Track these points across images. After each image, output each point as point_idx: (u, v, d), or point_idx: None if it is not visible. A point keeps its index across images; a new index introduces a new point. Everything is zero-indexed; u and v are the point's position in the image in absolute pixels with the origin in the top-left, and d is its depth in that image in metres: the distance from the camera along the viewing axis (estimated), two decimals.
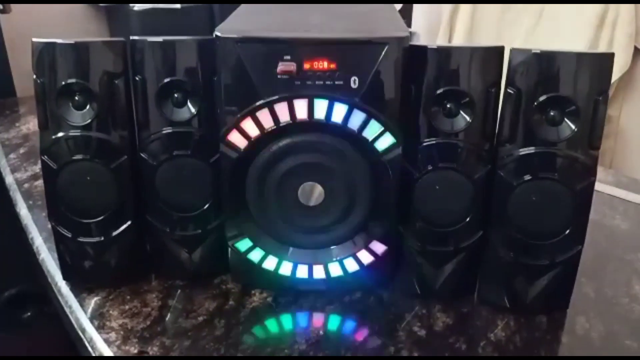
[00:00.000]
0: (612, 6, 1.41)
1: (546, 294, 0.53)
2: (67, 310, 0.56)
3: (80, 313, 0.54)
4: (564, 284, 0.54)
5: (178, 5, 1.40)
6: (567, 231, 0.51)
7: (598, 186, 0.80)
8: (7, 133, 0.97)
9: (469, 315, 0.55)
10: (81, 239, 0.55)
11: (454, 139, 0.51)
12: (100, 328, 0.52)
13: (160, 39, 0.52)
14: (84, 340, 0.52)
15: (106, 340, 0.51)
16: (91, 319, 0.53)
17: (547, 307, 0.54)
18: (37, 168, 0.80)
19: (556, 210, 0.51)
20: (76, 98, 0.52)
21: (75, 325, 0.54)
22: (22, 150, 0.89)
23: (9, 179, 0.81)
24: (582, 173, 0.50)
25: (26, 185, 0.79)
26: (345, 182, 0.52)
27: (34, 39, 0.52)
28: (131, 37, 0.53)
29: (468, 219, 0.53)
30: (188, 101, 0.53)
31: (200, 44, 0.52)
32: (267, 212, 0.54)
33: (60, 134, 0.53)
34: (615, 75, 1.42)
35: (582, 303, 0.56)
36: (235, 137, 0.51)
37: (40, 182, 0.77)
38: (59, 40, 0.51)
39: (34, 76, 0.52)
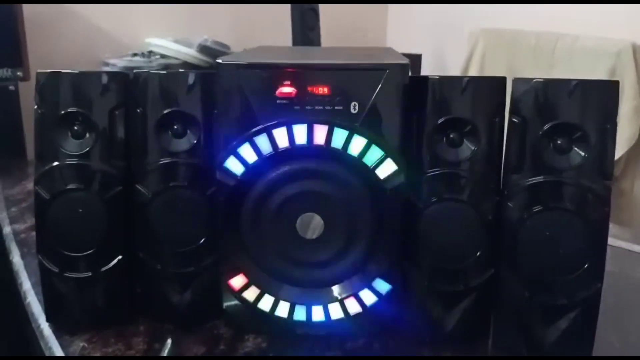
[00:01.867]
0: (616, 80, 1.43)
1: (566, 338, 0.49)
2: (46, 352, 0.52)
3: (59, 354, 0.50)
4: (585, 327, 0.49)
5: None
6: (584, 267, 0.48)
7: (614, 242, 0.76)
8: (12, 189, 0.97)
9: None
10: (68, 274, 0.52)
11: (458, 168, 0.49)
12: None
13: (163, 71, 0.53)
14: None
15: None
16: None
17: (568, 353, 0.49)
18: None
19: (570, 243, 0.48)
20: (75, 128, 0.52)
21: None
22: (24, 205, 0.89)
23: (7, 230, 0.79)
24: (596, 203, 0.47)
25: (23, 235, 0.77)
26: (346, 212, 0.50)
27: (39, 70, 0.53)
28: (134, 70, 0.53)
29: (477, 255, 0.50)
30: (188, 132, 0.53)
31: (202, 77, 0.52)
32: (263, 245, 0.51)
33: (55, 163, 0.52)
34: (623, 149, 1.41)
35: (607, 349, 0.51)
36: (232, 163, 0.49)
37: None
38: (63, 70, 0.52)
39: (35, 107, 0.52)
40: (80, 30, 1.47)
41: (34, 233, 0.78)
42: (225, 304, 0.54)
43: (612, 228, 0.85)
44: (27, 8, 1.22)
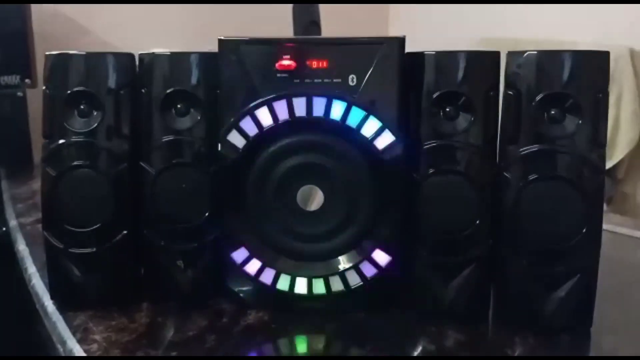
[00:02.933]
0: (615, 87, 1.45)
1: (566, 308, 0.49)
2: (49, 327, 0.53)
3: (62, 328, 0.51)
4: (585, 297, 0.49)
5: None
6: (581, 235, 0.48)
7: (615, 229, 0.77)
8: (18, 189, 0.99)
9: (484, 333, 0.50)
10: (73, 250, 0.53)
11: (455, 140, 0.50)
12: (82, 341, 0.49)
13: (167, 51, 0.54)
14: (63, 353, 0.48)
15: (87, 351, 0.47)
16: (73, 333, 0.50)
17: (568, 323, 0.49)
18: None
19: (567, 211, 0.48)
20: (82, 107, 0.54)
21: (56, 340, 0.50)
22: (30, 202, 0.90)
23: (13, 223, 0.81)
24: (590, 171, 0.48)
25: (29, 227, 0.78)
26: (345, 184, 0.51)
27: (47, 53, 0.55)
28: (139, 52, 0.55)
29: (475, 226, 0.50)
30: (191, 110, 0.54)
31: (206, 57, 0.54)
32: (265, 218, 0.52)
33: (62, 141, 0.53)
34: (625, 151, 1.42)
35: (608, 323, 0.51)
36: (234, 137, 0.50)
37: None
38: (71, 51, 0.54)
39: (44, 87, 0.54)
40: (89, 44, 1.50)
41: (39, 226, 0.79)
42: (228, 280, 0.54)
43: (613, 217, 0.86)
44: (36, 23, 1.25)
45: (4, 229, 0.89)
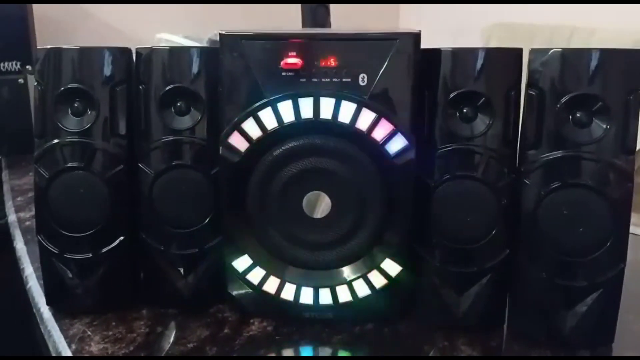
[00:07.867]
0: None
1: (587, 323, 0.46)
2: (45, 335, 0.51)
3: (58, 337, 0.49)
4: (607, 312, 0.46)
5: None
6: (606, 247, 0.45)
7: (634, 230, 0.73)
8: (19, 180, 0.97)
9: (498, 348, 0.48)
10: (68, 255, 0.51)
11: (472, 144, 0.47)
12: (77, 352, 0.46)
13: (167, 46, 0.51)
14: None
15: None
16: (69, 343, 0.48)
17: (588, 340, 0.47)
18: None
19: (591, 221, 0.45)
20: (75, 105, 0.51)
21: (52, 350, 0.48)
22: (30, 195, 0.88)
23: (12, 218, 0.79)
24: (617, 179, 0.45)
25: (28, 222, 0.76)
26: (354, 190, 0.48)
27: (39, 47, 0.52)
28: (137, 47, 0.52)
29: (492, 235, 0.47)
30: (192, 109, 0.51)
31: (206, 53, 0.51)
32: (268, 225, 0.49)
33: (55, 141, 0.50)
34: None
35: (631, 338, 0.48)
36: (236, 139, 0.47)
37: None
38: (65, 46, 0.51)
39: (35, 83, 0.51)
40: (92, 28, 1.47)
41: None
42: (230, 287, 0.52)
43: (633, 217, 0.82)
44: (37, 7, 1.22)
45: (6, 218, 0.87)
